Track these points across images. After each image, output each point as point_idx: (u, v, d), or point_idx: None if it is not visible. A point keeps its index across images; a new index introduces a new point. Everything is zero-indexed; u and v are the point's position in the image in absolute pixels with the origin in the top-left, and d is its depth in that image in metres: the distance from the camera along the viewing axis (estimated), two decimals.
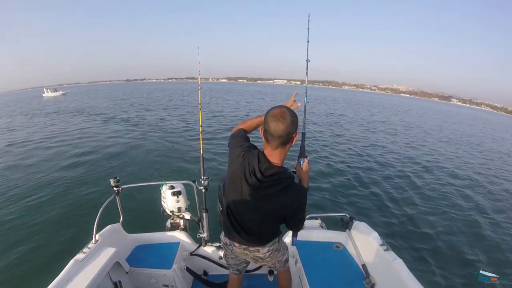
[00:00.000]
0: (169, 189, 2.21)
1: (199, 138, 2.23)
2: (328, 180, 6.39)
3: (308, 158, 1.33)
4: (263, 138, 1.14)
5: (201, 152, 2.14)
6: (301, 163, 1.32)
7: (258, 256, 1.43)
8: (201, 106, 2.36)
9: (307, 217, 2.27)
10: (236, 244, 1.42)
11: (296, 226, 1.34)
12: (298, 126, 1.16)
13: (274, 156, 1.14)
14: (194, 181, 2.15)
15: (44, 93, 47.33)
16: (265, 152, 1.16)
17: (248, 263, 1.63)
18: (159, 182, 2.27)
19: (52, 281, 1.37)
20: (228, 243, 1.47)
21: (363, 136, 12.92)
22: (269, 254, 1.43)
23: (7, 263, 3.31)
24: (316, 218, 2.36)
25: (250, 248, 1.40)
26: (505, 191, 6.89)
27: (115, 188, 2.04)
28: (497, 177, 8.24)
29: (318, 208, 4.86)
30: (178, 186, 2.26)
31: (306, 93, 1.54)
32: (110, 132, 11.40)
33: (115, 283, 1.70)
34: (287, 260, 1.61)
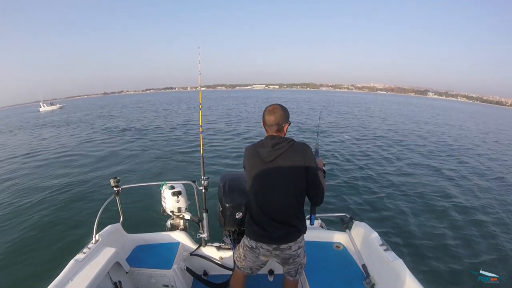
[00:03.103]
0: (169, 189, 2.21)
1: (199, 138, 2.23)
2: (328, 180, 6.39)
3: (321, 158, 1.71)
4: (264, 129, 1.47)
5: (201, 152, 2.14)
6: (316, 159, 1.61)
7: (290, 254, 1.42)
8: (201, 107, 2.36)
9: (307, 217, 2.27)
10: (265, 246, 1.40)
11: (315, 184, 1.38)
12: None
13: None
14: (194, 181, 2.15)
15: (40, 107, 45.98)
16: None
17: (261, 267, 1.58)
18: (159, 182, 2.27)
19: (52, 281, 1.37)
20: (255, 246, 1.44)
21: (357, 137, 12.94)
22: (299, 252, 1.45)
23: (8, 263, 3.31)
24: (316, 218, 2.36)
25: (282, 246, 1.39)
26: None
27: (115, 188, 2.04)
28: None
29: (318, 208, 4.84)
30: (178, 186, 2.26)
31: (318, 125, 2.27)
32: (114, 137, 11.44)
33: (115, 283, 1.70)
34: (304, 265, 1.57)
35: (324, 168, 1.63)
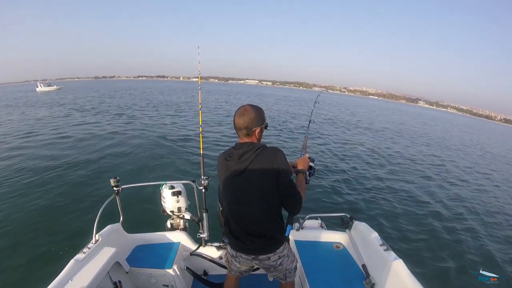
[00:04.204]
0: (169, 189, 2.21)
1: (199, 138, 2.23)
2: (328, 180, 6.39)
3: (307, 155, 1.59)
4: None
5: (201, 152, 2.13)
6: (301, 156, 1.58)
7: (270, 264, 1.38)
8: (201, 106, 2.35)
9: (307, 217, 2.27)
10: (244, 256, 1.38)
11: (289, 193, 1.25)
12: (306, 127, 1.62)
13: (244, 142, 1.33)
14: (194, 181, 2.15)
15: (37, 87, 45.44)
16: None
17: (251, 270, 1.58)
18: (159, 182, 2.27)
19: (52, 281, 1.37)
20: (235, 255, 1.43)
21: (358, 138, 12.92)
22: (281, 261, 1.39)
23: (7, 263, 3.31)
24: (316, 218, 2.36)
25: (260, 257, 1.35)
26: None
27: (115, 188, 2.04)
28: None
29: (318, 208, 4.85)
30: (178, 186, 2.26)
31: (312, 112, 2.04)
32: (112, 131, 11.40)
33: (115, 283, 1.70)
34: (295, 268, 1.54)
35: (312, 164, 1.54)
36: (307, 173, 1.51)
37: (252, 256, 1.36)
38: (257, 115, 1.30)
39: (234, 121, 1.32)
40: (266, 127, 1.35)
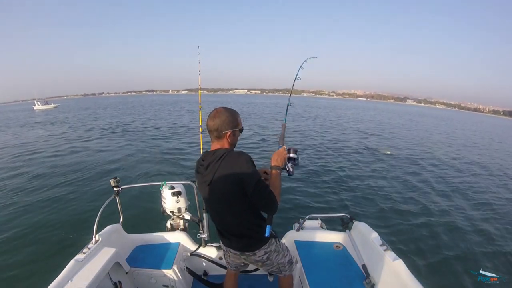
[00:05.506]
0: (169, 189, 2.21)
1: (199, 138, 2.23)
2: (327, 180, 6.39)
3: (285, 146, 1.47)
4: None
5: (201, 152, 2.14)
6: (278, 148, 1.48)
7: (256, 260, 1.41)
8: (201, 106, 2.36)
9: (307, 217, 2.27)
10: (232, 250, 1.43)
11: (259, 197, 1.18)
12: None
13: (214, 147, 1.31)
14: (194, 181, 2.15)
15: (35, 105, 46.17)
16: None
17: (247, 265, 1.61)
18: (159, 182, 2.28)
19: (52, 281, 1.37)
20: (225, 250, 1.51)
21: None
22: (267, 256, 1.40)
23: (7, 263, 3.31)
24: (316, 218, 2.36)
25: (247, 253, 1.39)
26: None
27: (115, 188, 2.04)
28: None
29: (318, 208, 4.85)
30: (178, 186, 2.26)
31: (290, 96, 1.78)
32: (113, 136, 11.43)
33: (115, 283, 1.70)
34: (290, 262, 1.54)
35: (293, 155, 1.43)
36: (289, 165, 1.44)
37: (240, 252, 1.41)
38: (229, 118, 1.26)
39: (206, 123, 1.29)
40: (241, 131, 1.32)
